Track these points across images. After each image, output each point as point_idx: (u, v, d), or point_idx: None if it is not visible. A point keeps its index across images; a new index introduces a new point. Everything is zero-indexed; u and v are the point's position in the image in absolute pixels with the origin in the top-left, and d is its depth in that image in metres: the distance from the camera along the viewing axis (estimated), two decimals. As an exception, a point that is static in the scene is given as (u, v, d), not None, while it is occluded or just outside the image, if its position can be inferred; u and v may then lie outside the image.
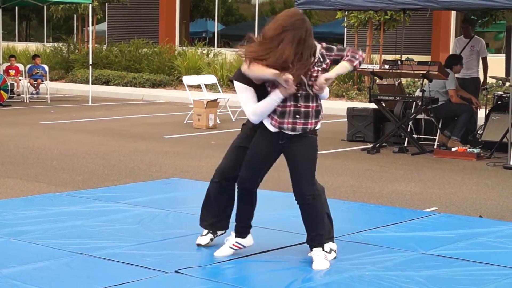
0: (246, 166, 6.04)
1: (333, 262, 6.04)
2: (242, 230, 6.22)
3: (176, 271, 5.80)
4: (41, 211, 7.71)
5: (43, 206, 7.96)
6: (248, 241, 6.26)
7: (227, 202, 6.37)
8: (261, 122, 5.96)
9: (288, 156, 5.98)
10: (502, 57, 13.34)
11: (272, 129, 5.89)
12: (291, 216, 6.97)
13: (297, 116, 5.83)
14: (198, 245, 6.41)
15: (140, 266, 5.91)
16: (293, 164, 5.95)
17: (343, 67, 5.89)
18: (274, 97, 5.83)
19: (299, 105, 5.83)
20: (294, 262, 6.14)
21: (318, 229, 5.98)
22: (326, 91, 5.96)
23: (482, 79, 14.52)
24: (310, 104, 5.86)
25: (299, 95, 5.81)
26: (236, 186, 6.18)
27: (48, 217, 7.46)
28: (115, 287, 5.41)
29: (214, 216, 6.43)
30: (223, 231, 6.50)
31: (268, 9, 27.84)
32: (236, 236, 6.23)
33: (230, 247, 6.22)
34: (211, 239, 6.46)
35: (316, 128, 5.94)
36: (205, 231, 6.49)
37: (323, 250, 6.00)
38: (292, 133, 5.86)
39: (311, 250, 6.02)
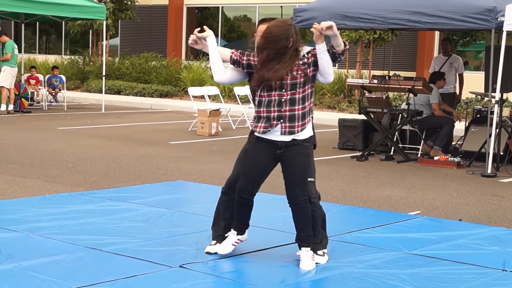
0: (244, 176, 5.94)
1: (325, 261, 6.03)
2: (241, 229, 6.15)
3: (180, 266, 5.80)
4: (57, 209, 7.71)
5: (59, 204, 7.95)
6: (244, 236, 6.20)
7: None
8: (256, 137, 5.90)
9: (284, 164, 5.88)
10: (481, 75, 13.34)
11: (262, 136, 5.83)
12: (288, 217, 6.96)
13: (281, 120, 5.76)
14: (207, 253, 6.19)
15: (147, 260, 5.90)
16: (288, 171, 5.86)
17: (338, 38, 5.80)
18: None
19: (283, 110, 5.76)
20: (290, 259, 6.12)
21: (307, 230, 5.93)
22: (331, 75, 5.83)
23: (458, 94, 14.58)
24: (296, 107, 5.76)
25: (282, 100, 5.74)
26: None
27: (63, 214, 7.45)
28: (124, 280, 5.40)
29: (222, 228, 6.27)
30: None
31: (267, 27, 27.83)
32: (237, 234, 6.14)
33: (233, 244, 6.13)
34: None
35: (306, 136, 5.83)
36: (213, 241, 6.33)
37: (311, 250, 5.95)
38: (287, 141, 5.79)
39: (300, 249, 5.98)
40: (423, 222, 7.80)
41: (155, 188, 9.29)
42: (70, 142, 13.62)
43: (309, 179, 5.98)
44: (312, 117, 5.96)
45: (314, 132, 6.00)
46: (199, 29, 6.15)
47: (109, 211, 7.73)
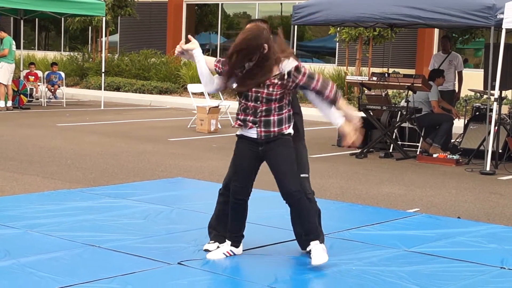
0: (235, 178, 5.91)
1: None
2: (235, 239, 6.07)
3: (178, 263, 5.80)
4: (56, 205, 7.70)
5: (58, 201, 7.95)
6: (239, 250, 6.11)
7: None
8: (238, 136, 5.89)
9: (269, 160, 5.83)
10: (480, 72, 13.34)
11: (241, 133, 5.83)
12: (285, 214, 6.96)
13: (256, 125, 5.74)
14: (206, 250, 6.15)
15: (146, 257, 5.90)
16: (274, 166, 5.80)
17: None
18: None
19: (257, 117, 5.73)
20: (287, 256, 6.13)
21: (311, 222, 5.85)
22: (338, 117, 5.86)
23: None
24: (271, 114, 5.72)
25: (258, 111, 5.70)
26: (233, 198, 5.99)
27: (62, 211, 7.45)
28: (122, 277, 5.40)
29: (220, 228, 6.23)
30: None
31: (266, 24, 27.81)
32: (231, 245, 6.06)
33: (224, 253, 6.02)
34: (218, 246, 6.20)
35: (286, 132, 5.78)
36: (212, 241, 6.28)
37: (320, 242, 5.85)
38: (265, 139, 5.75)
39: (309, 245, 5.86)
40: (422, 220, 7.80)
41: (154, 185, 9.29)
42: (69, 138, 13.61)
43: (302, 175, 5.96)
44: (295, 118, 5.90)
45: (301, 131, 5.94)
46: (184, 41, 6.09)
47: (108, 208, 7.73)
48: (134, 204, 7.93)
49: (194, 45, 5.99)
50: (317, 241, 5.85)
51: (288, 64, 5.72)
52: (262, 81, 5.66)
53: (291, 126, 5.83)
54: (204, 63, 5.95)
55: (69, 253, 5.97)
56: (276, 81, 5.68)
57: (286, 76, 5.68)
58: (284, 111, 5.77)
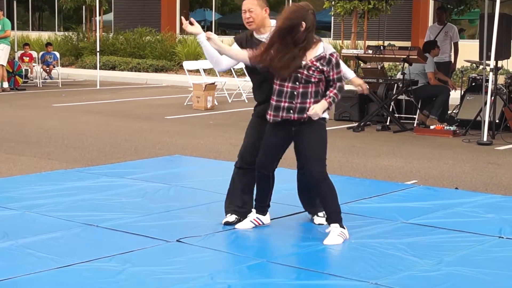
0: (262, 152, 5.98)
1: (323, 231, 6.02)
2: (261, 209, 6.22)
3: (177, 240, 5.80)
4: (53, 186, 7.69)
5: (55, 181, 7.94)
6: (267, 218, 6.25)
7: (249, 188, 6.25)
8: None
9: (297, 141, 5.89)
10: (476, 43, 13.31)
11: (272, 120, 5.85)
12: (287, 189, 6.98)
13: (291, 111, 5.76)
14: (226, 223, 6.22)
15: (145, 235, 5.90)
16: (301, 147, 5.87)
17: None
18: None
19: (294, 102, 5.75)
20: (287, 231, 6.14)
21: (331, 207, 5.89)
22: (350, 73, 6.30)
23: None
24: (307, 100, 5.74)
25: (295, 93, 5.72)
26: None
27: (60, 191, 7.44)
28: (121, 255, 5.40)
29: (237, 204, 6.29)
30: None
31: (261, -1, 27.71)
32: (257, 212, 6.22)
33: (251, 221, 6.19)
34: (236, 218, 6.28)
35: (325, 115, 5.83)
36: (229, 215, 6.33)
37: (340, 226, 5.88)
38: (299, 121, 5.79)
39: (329, 226, 5.92)
40: (420, 191, 7.80)
41: (151, 163, 9.28)
42: (65, 118, 13.59)
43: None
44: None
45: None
46: (187, 22, 6.03)
47: (106, 187, 7.72)
48: (131, 183, 7.92)
49: (197, 29, 5.97)
50: (337, 225, 5.88)
51: (328, 48, 5.81)
52: (300, 62, 5.67)
53: (326, 112, 5.84)
54: (209, 46, 5.93)
55: (68, 233, 5.98)
56: (317, 63, 5.71)
57: (326, 61, 5.72)
58: (319, 97, 5.78)
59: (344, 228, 5.90)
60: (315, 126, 5.80)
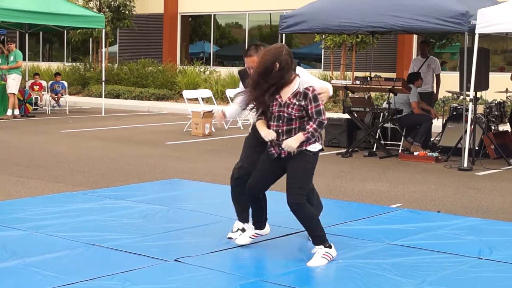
0: (253, 176, 5.95)
1: (309, 252, 5.98)
2: (259, 225, 6.20)
3: (175, 260, 5.76)
4: (59, 207, 7.66)
5: (61, 203, 7.90)
6: (265, 230, 6.26)
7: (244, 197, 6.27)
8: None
9: (286, 169, 5.86)
10: (456, 75, 13.34)
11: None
12: (278, 212, 6.95)
13: (281, 147, 5.74)
14: (229, 238, 6.37)
15: (145, 255, 5.87)
16: (287, 175, 5.83)
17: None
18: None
19: (279, 140, 5.74)
20: (281, 252, 6.11)
21: (312, 231, 5.85)
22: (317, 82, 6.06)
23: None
24: (292, 134, 5.72)
25: (279, 131, 5.73)
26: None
27: (65, 213, 7.41)
28: (123, 274, 5.36)
29: (237, 209, 6.43)
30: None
31: (256, 33, 27.79)
32: (255, 228, 6.22)
33: (250, 237, 6.22)
34: (240, 233, 6.39)
35: (306, 148, 5.74)
36: (235, 228, 6.45)
37: (325, 246, 5.82)
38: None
39: (315, 247, 5.88)
40: (404, 214, 7.78)
41: (152, 186, 9.25)
42: (72, 144, 13.56)
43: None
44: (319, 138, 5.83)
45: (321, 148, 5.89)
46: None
47: (109, 208, 7.69)
48: (133, 205, 7.89)
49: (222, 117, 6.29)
50: (322, 246, 5.84)
51: (304, 83, 5.75)
52: (272, 97, 5.68)
53: (314, 144, 5.76)
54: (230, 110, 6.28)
55: (72, 252, 5.94)
56: (293, 100, 5.67)
57: (302, 96, 5.66)
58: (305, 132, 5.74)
59: (330, 248, 5.85)
60: (301, 157, 5.73)
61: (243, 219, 6.43)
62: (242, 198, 6.25)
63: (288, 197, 5.75)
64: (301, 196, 5.75)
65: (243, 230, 6.42)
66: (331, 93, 6.10)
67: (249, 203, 6.12)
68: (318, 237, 5.85)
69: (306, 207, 5.78)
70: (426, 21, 11.64)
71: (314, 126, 5.68)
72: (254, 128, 6.17)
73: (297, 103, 5.67)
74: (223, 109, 6.35)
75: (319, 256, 5.78)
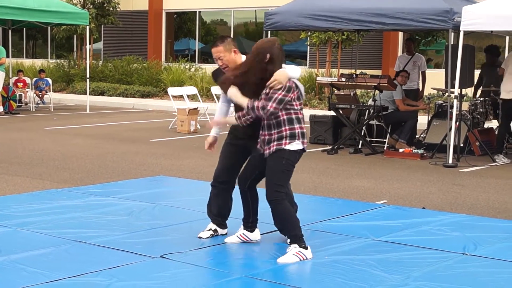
0: (242, 170, 6.13)
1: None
2: (246, 225, 6.24)
3: (161, 256, 5.78)
4: (44, 204, 7.65)
5: (46, 200, 7.90)
6: (254, 235, 6.27)
7: (222, 204, 6.36)
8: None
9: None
10: (442, 72, 13.41)
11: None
12: (262, 208, 6.96)
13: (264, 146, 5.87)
14: (200, 237, 6.34)
15: (130, 252, 5.88)
16: (266, 173, 5.87)
17: (243, 101, 5.78)
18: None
19: (262, 133, 5.88)
20: (265, 248, 6.13)
21: (289, 231, 5.88)
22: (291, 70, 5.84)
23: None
24: (272, 131, 5.79)
25: (262, 124, 5.85)
26: (230, 189, 6.30)
27: (50, 209, 7.40)
28: (108, 270, 5.37)
29: (214, 214, 6.44)
30: (224, 232, 6.46)
31: (241, 30, 27.81)
32: (244, 229, 6.26)
33: (237, 236, 6.25)
34: (211, 235, 6.38)
35: (282, 148, 5.76)
36: (208, 227, 6.44)
37: (300, 247, 5.83)
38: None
39: (290, 246, 5.90)
40: (389, 211, 7.82)
41: (137, 183, 9.25)
42: (57, 141, 13.53)
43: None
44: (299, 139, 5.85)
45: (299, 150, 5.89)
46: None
47: (94, 205, 7.69)
48: (118, 202, 7.90)
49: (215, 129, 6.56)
50: (296, 245, 5.84)
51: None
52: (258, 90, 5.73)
53: (292, 143, 5.78)
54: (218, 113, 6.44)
55: (57, 249, 5.94)
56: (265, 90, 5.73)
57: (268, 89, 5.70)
58: (283, 129, 5.76)
59: (306, 249, 5.84)
60: (279, 154, 5.77)
61: (218, 223, 6.47)
62: (221, 203, 6.36)
63: (266, 194, 5.82)
64: (279, 193, 5.79)
65: (215, 231, 6.43)
66: (291, 74, 5.76)
67: (241, 199, 6.17)
68: (294, 236, 5.86)
69: (284, 204, 5.82)
70: (411, 19, 11.71)
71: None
72: (233, 131, 6.21)
73: (264, 92, 5.72)
74: (211, 119, 6.32)
75: (292, 254, 5.79)
